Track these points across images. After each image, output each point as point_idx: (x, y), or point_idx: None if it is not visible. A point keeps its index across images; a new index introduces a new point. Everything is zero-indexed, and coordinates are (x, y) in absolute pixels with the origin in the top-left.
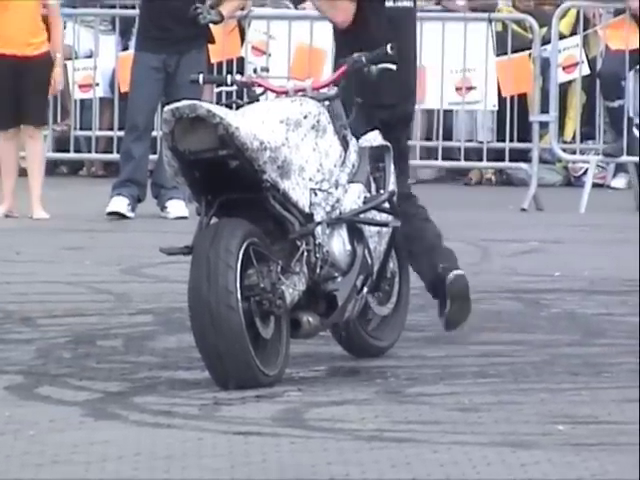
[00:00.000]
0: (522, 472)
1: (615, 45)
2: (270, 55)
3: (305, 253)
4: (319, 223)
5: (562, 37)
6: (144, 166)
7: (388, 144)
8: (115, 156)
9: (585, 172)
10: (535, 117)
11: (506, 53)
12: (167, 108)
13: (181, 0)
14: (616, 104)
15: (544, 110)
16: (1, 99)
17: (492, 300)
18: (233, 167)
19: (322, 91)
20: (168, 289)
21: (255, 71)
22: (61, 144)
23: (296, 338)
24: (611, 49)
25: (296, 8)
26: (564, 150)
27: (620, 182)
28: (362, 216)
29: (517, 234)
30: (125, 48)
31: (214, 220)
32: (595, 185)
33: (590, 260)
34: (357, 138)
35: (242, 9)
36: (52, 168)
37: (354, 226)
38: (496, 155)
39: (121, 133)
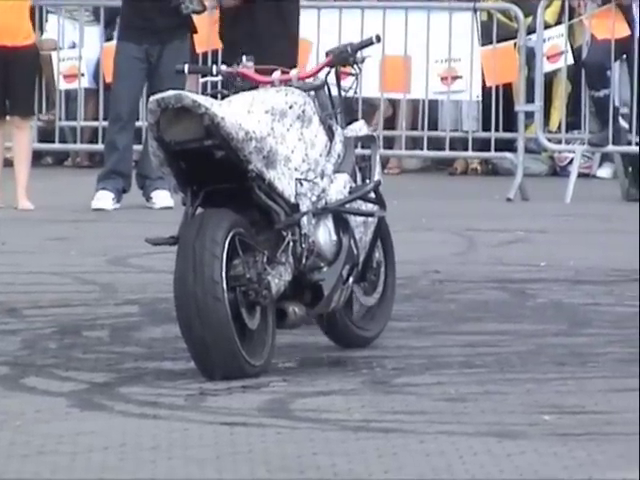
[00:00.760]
0: (508, 462)
1: (601, 35)
2: None
3: (291, 243)
4: (305, 213)
5: (547, 26)
6: (129, 157)
7: (374, 134)
8: (100, 147)
9: (571, 162)
10: (520, 107)
11: (491, 43)
12: (152, 98)
13: None
14: (601, 94)
15: (529, 100)
16: None
17: (478, 290)
18: (219, 157)
19: (307, 81)
20: (154, 279)
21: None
22: (46, 135)
23: (282, 328)
24: (597, 39)
25: None
26: (549, 140)
27: (606, 172)
28: (348, 206)
29: (503, 224)
30: (109, 39)
31: (200, 210)
32: (581, 175)
33: (576, 250)
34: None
35: None
36: (37, 159)
37: (340, 216)
38: (481, 145)
39: (106, 123)
